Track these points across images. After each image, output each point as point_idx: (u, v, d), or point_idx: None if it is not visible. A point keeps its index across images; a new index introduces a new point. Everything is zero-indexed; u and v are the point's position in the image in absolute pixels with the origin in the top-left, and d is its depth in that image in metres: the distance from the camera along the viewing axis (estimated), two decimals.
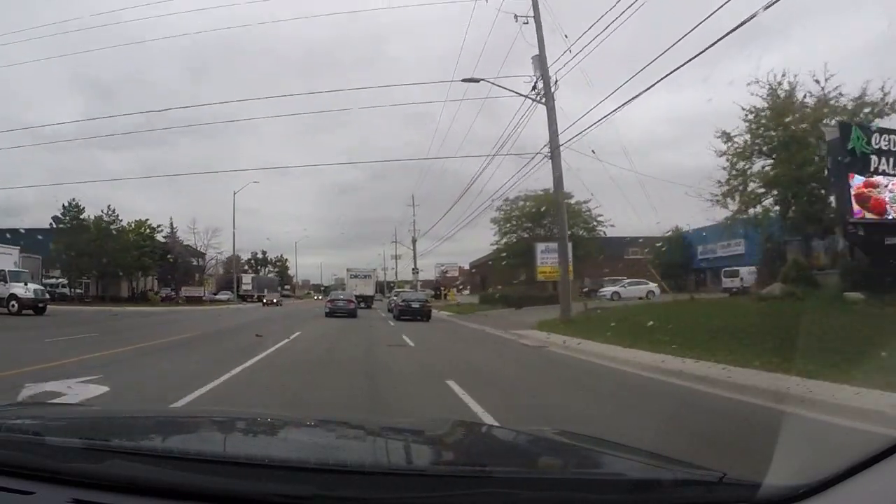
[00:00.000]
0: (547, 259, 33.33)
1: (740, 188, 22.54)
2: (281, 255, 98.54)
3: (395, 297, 35.14)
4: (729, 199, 22.84)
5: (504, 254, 42.79)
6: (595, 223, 39.70)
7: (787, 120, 19.89)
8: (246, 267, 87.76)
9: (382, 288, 68.66)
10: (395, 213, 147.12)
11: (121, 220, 45.08)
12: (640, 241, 51.72)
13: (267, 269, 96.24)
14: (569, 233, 41.17)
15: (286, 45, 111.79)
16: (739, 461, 3.29)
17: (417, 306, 26.71)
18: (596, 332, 14.23)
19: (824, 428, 4.99)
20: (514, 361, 11.28)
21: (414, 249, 55.42)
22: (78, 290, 44.97)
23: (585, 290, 37.93)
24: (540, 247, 33.65)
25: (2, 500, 1.31)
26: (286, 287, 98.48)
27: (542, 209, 39.98)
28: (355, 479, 1.36)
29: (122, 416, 2.47)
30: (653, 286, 34.81)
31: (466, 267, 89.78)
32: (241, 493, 1.29)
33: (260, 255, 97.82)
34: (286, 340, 13.82)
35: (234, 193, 50.76)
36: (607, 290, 34.37)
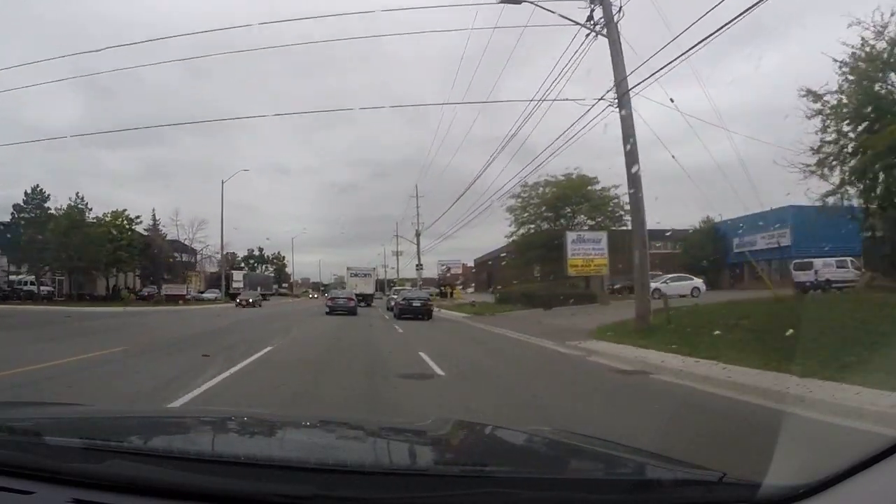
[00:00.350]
0: (579, 250, 28.48)
1: (838, 156, 17.31)
2: (278, 252, 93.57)
3: (394, 296, 34.58)
4: (826, 170, 17.48)
5: (505, 251, 37.61)
6: (622, 212, 34.23)
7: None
8: (242, 264, 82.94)
9: (382, 286, 67.47)
10: (396, 211, 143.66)
11: (90, 209, 39.58)
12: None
13: (264, 267, 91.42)
14: (593, 222, 36.18)
15: (286, 42, 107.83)
16: None
17: (419, 305, 26.25)
18: (701, 344, 10.20)
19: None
20: (637, 412, 6.55)
21: (417, 243, 50.78)
22: (48, 288, 39.55)
23: (616, 286, 32.63)
24: (571, 236, 28.82)
25: (2, 500, 1.30)
26: (283, 285, 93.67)
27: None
28: (355, 479, 1.35)
29: (122, 416, 2.46)
30: (698, 282, 29.84)
31: (469, 264, 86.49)
32: (241, 493, 1.28)
33: (257, 252, 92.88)
34: (232, 371, 8.34)
35: (223, 182, 45.49)
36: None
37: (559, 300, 26.40)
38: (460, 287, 66.84)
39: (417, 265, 53.01)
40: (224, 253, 52.31)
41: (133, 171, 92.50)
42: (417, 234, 53.03)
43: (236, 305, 40.91)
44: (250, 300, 42.94)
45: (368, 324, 21.78)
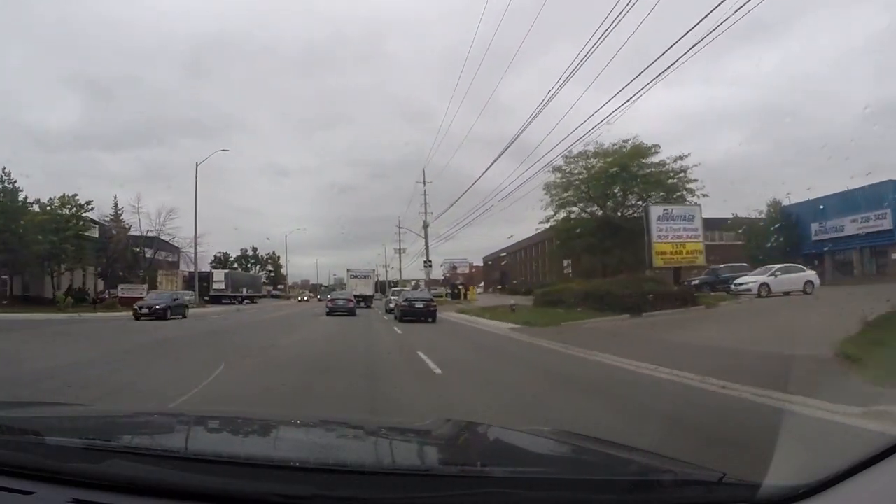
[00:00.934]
0: (667, 231, 20.12)
1: None
2: (273, 252, 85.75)
3: (394, 297, 32.77)
4: None
5: (531, 242, 29.06)
6: (685, 191, 25.72)
7: None
8: (235, 265, 74.52)
9: (382, 287, 65.51)
10: (396, 211, 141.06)
11: (21, 191, 30.84)
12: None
13: (258, 268, 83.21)
14: (645, 203, 27.71)
15: (285, 42, 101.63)
16: None
17: (421, 306, 25.04)
18: None
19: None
20: None
21: (426, 235, 43.71)
22: None
23: (695, 282, 24.24)
24: (656, 211, 21.09)
25: (2, 500, 1.31)
26: (279, 286, 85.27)
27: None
28: (355, 479, 1.36)
29: (122, 416, 2.46)
30: (811, 275, 21.89)
31: (477, 263, 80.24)
32: (240, 493, 1.30)
33: (250, 252, 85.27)
34: None
35: (197, 165, 37.31)
36: (750, 280, 21.44)
37: (647, 303, 17.90)
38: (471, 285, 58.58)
39: (426, 261, 45.22)
40: (197, 247, 43.55)
41: (133, 172, 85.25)
42: (425, 226, 45.25)
43: (136, 318, 25.08)
44: (157, 307, 26.05)
45: (369, 331, 17.24)
